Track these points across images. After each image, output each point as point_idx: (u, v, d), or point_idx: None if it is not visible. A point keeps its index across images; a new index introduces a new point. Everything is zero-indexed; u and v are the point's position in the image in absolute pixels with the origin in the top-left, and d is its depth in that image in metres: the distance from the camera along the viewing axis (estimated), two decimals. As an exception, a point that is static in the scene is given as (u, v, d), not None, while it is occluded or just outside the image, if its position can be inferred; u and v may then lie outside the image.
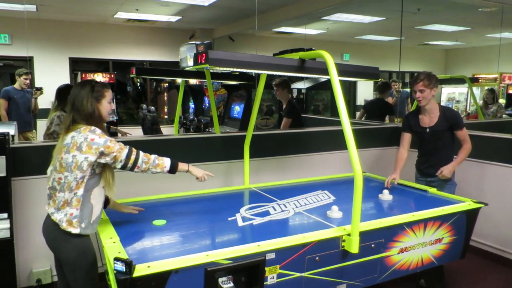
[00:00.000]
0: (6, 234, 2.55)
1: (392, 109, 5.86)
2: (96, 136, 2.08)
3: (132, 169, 2.17)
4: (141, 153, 2.20)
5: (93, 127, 2.12)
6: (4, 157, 2.54)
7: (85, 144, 2.05)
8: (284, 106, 5.21)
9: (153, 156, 2.25)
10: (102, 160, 2.10)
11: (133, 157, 2.15)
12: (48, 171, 2.20)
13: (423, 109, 3.29)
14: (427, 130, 3.30)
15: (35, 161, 3.10)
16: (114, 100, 7.76)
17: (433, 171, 3.30)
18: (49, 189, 2.15)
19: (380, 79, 3.12)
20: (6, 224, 2.56)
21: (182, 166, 2.38)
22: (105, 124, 2.30)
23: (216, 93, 6.58)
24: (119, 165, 2.14)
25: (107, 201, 2.37)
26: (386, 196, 3.07)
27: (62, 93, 3.77)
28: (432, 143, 3.33)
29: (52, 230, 2.11)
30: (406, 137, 3.47)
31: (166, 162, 2.29)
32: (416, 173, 3.53)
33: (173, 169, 2.32)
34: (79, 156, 2.05)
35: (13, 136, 2.83)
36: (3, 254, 2.56)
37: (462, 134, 3.23)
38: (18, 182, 2.95)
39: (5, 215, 2.56)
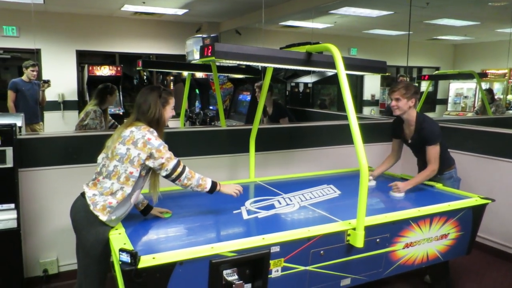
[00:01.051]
0: (13, 224, 2.57)
1: None
2: (153, 137, 2.16)
3: (174, 180, 2.24)
4: (187, 169, 2.27)
5: (152, 129, 2.20)
6: (11, 148, 2.55)
7: (141, 141, 2.13)
8: (268, 109, 4.94)
9: (197, 176, 2.31)
10: (150, 163, 2.17)
11: (179, 169, 2.22)
12: (100, 158, 2.27)
13: (404, 119, 3.15)
14: (409, 142, 3.21)
15: (42, 152, 3.12)
16: (120, 94, 7.82)
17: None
18: (95, 174, 2.23)
19: (388, 73, 3.08)
20: (13, 215, 2.58)
21: (218, 187, 2.41)
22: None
23: (222, 87, 6.58)
24: (164, 173, 2.21)
25: (149, 208, 2.42)
26: (371, 182, 3.22)
27: (102, 92, 4.17)
28: (419, 153, 3.23)
29: (82, 210, 2.14)
30: (394, 143, 3.38)
31: (208, 184, 2.34)
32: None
33: (212, 191, 2.37)
34: (133, 151, 2.13)
35: (20, 127, 2.84)
36: (11, 244, 2.59)
37: (429, 151, 3.01)
38: (25, 173, 2.97)
39: (12, 205, 2.58)
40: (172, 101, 2.34)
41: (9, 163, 2.56)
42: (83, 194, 2.19)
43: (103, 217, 2.12)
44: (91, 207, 2.12)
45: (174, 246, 2.07)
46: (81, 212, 2.15)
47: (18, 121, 2.77)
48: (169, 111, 2.33)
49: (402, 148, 3.37)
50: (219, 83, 4.57)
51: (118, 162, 2.14)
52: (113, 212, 2.14)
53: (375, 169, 3.39)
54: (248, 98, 6.06)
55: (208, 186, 2.33)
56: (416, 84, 3.22)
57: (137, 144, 2.13)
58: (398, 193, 3.01)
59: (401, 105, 3.01)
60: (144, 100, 2.24)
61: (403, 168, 4.04)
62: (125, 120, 2.35)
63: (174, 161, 2.20)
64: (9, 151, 2.55)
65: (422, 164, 3.21)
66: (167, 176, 2.21)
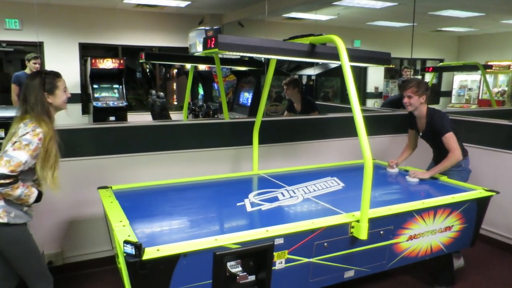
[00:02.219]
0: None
1: None
2: (31, 132, 2.03)
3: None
4: (13, 186, 2.00)
5: (39, 128, 2.05)
6: (15, 140, 2.55)
7: (19, 135, 2.03)
8: (296, 106, 4.95)
9: (19, 190, 2.04)
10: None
11: (2, 181, 1.96)
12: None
13: (415, 115, 3.33)
14: (421, 134, 3.40)
15: (46, 145, 3.13)
16: (123, 87, 7.81)
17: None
18: None
19: (392, 65, 3.06)
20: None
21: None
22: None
23: (225, 79, 6.56)
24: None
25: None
26: (394, 169, 3.46)
27: None
28: (432, 143, 3.39)
29: None
30: (410, 134, 3.55)
31: (31, 198, 2.12)
32: (431, 161, 3.50)
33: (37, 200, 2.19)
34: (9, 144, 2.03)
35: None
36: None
37: (445, 141, 3.12)
38: (30, 166, 2.98)
39: (17, 198, 2.59)
40: (60, 83, 2.20)
41: (14, 156, 2.56)
42: None
43: (2, 219, 2.02)
44: None
45: (178, 238, 2.07)
46: None
47: (21, 114, 2.77)
48: (60, 95, 2.19)
49: (418, 138, 3.53)
50: (222, 75, 4.55)
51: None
52: (7, 209, 2.03)
53: (397, 158, 3.54)
54: (251, 90, 6.05)
55: (31, 200, 2.12)
56: (425, 80, 3.28)
57: (14, 136, 2.03)
58: (413, 178, 3.19)
59: (413, 101, 3.19)
60: (28, 88, 2.12)
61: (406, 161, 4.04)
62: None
63: (7, 170, 1.94)
64: (13, 144, 2.55)
65: (436, 155, 3.36)
66: None
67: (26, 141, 2.01)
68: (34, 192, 2.14)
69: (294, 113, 4.98)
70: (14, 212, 2.07)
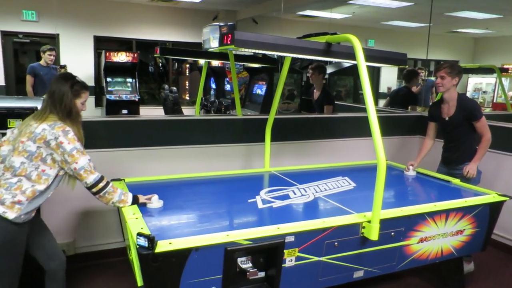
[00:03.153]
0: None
1: (416, 98, 5.71)
2: (66, 140, 2.07)
3: (94, 194, 2.16)
4: (110, 184, 2.19)
5: (67, 128, 2.11)
6: (32, 131, 2.59)
7: (54, 143, 2.06)
8: (315, 92, 5.01)
9: (119, 191, 2.23)
10: (66, 168, 2.11)
11: (101, 184, 2.15)
12: (5, 149, 2.14)
13: (444, 98, 3.28)
14: (446, 119, 3.29)
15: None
16: (136, 80, 7.86)
17: (456, 160, 3.27)
18: (1, 169, 2.09)
19: (406, 66, 3.05)
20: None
21: (139, 200, 2.34)
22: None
23: (238, 76, 6.56)
24: (84, 185, 2.14)
25: (136, 200, 2.34)
26: (411, 172, 3.38)
27: None
28: (452, 133, 3.31)
29: None
30: (431, 126, 3.50)
31: (129, 198, 2.27)
32: (439, 164, 3.48)
33: (134, 203, 2.31)
34: (45, 150, 2.06)
35: (40, 111, 2.88)
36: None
37: (479, 125, 3.15)
38: (45, 156, 3.02)
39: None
40: (84, 95, 2.24)
41: (30, 146, 2.60)
42: None
43: (11, 215, 2.00)
44: None
45: (190, 232, 2.09)
46: None
47: (38, 104, 2.81)
48: (79, 105, 2.23)
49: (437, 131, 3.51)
50: (236, 72, 4.56)
51: (26, 159, 2.05)
52: (23, 209, 2.04)
53: (416, 158, 3.47)
54: (264, 87, 6.04)
55: (129, 201, 2.27)
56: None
57: (49, 145, 2.05)
58: (409, 172, 3.35)
59: (445, 82, 3.16)
60: (58, 89, 2.15)
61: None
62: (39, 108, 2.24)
63: (94, 175, 2.12)
64: (30, 134, 2.59)
65: (451, 147, 3.31)
66: (88, 189, 2.14)
67: (74, 150, 2.08)
68: (129, 194, 2.29)
69: (310, 100, 5.03)
70: (25, 211, 2.06)
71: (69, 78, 2.22)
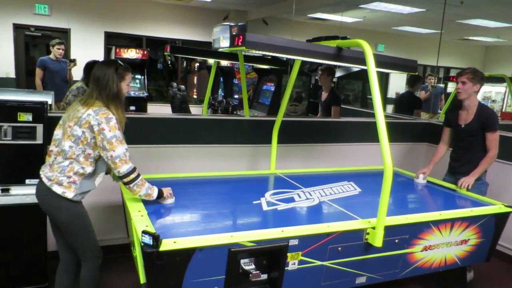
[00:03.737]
0: (40, 199, 2.66)
1: (420, 102, 5.66)
2: (107, 127, 2.12)
3: (125, 184, 2.22)
4: (140, 177, 2.23)
5: (110, 115, 2.15)
6: (42, 125, 2.61)
7: (96, 128, 2.12)
8: (323, 94, 5.04)
9: (146, 185, 2.27)
10: (103, 154, 2.16)
11: (132, 176, 2.19)
12: (59, 132, 2.25)
13: (463, 105, 3.23)
14: (462, 126, 3.24)
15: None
16: (145, 77, 7.90)
17: (463, 171, 3.22)
18: (52, 151, 2.22)
19: (416, 73, 3.04)
20: (40, 190, 2.66)
21: (163, 194, 2.39)
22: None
23: (246, 76, 6.57)
24: (116, 173, 2.18)
25: (161, 194, 2.39)
26: (421, 180, 3.32)
27: (87, 68, 3.98)
28: (464, 141, 3.26)
29: (45, 194, 2.17)
30: (446, 132, 3.44)
31: (155, 193, 2.31)
32: (445, 174, 3.46)
33: (159, 197, 2.36)
34: (89, 134, 2.14)
35: (50, 105, 2.91)
36: (37, 218, 2.66)
37: (491, 138, 3.10)
38: (53, 150, 3.05)
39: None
40: (128, 77, 2.29)
41: (39, 140, 2.62)
42: (41, 179, 2.20)
43: (69, 194, 2.14)
44: (54, 187, 2.13)
45: (194, 231, 2.10)
46: (44, 196, 2.18)
47: (49, 99, 2.84)
48: (124, 87, 2.28)
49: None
50: (244, 72, 4.56)
51: (73, 143, 2.14)
52: (78, 189, 2.17)
53: (429, 164, 3.41)
54: (272, 89, 6.04)
55: (154, 195, 2.31)
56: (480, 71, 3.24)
57: (92, 129, 2.12)
58: (420, 181, 3.28)
59: (467, 88, 3.11)
60: (103, 74, 2.19)
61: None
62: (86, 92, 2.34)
63: (128, 166, 2.17)
64: (40, 128, 2.61)
65: (464, 153, 3.26)
66: (120, 178, 2.20)
67: (113, 137, 2.12)
68: (155, 187, 2.31)
69: (318, 103, 5.06)
70: (81, 190, 2.18)
71: (112, 63, 2.26)
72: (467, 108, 3.21)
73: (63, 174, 2.15)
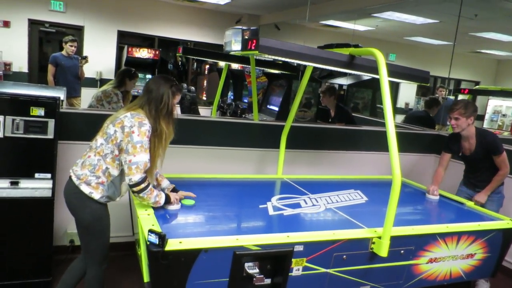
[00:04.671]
0: (48, 193, 2.67)
1: (434, 124, 5.64)
2: (137, 131, 2.11)
3: (134, 193, 2.18)
4: (149, 187, 2.19)
5: (145, 121, 2.15)
6: (53, 120, 2.64)
7: (127, 130, 2.13)
8: (331, 112, 5.08)
9: (155, 192, 2.23)
10: (121, 156, 2.14)
11: (142, 185, 2.14)
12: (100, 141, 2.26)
13: (461, 135, 3.28)
14: (468, 155, 3.31)
15: (80, 127, 3.23)
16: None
17: (482, 185, 3.29)
18: (88, 153, 2.22)
19: (428, 84, 3.03)
20: (49, 184, 2.67)
21: (170, 199, 2.36)
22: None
23: (256, 80, 6.58)
24: (127, 180, 2.14)
25: (174, 192, 2.44)
26: (434, 196, 3.24)
27: (123, 74, 4.17)
28: (476, 166, 3.33)
29: (73, 192, 2.18)
30: (446, 157, 3.47)
31: (162, 200, 2.28)
32: (461, 184, 3.47)
33: (166, 203, 2.33)
34: (119, 135, 2.14)
35: (62, 101, 2.94)
36: (44, 212, 2.69)
37: (498, 160, 3.17)
38: (63, 145, 3.07)
39: (49, 175, 2.67)
40: (177, 97, 2.31)
41: (50, 135, 2.65)
42: (71, 177, 2.22)
43: (96, 195, 2.15)
44: (82, 187, 2.14)
45: (199, 233, 2.11)
46: (72, 194, 2.19)
47: (61, 94, 2.87)
48: (174, 105, 2.31)
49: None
50: (255, 76, 4.57)
51: (104, 141, 2.17)
52: (105, 191, 2.18)
53: (433, 185, 3.35)
54: (282, 94, 6.04)
55: (162, 202, 2.28)
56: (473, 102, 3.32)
57: (123, 130, 2.13)
58: (433, 196, 3.22)
59: (460, 123, 3.15)
60: (157, 88, 2.22)
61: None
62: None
63: (140, 175, 2.12)
64: (51, 123, 2.63)
65: (474, 177, 3.33)
66: (130, 186, 2.15)
67: (139, 143, 2.11)
68: (162, 194, 2.28)
69: (326, 120, 5.07)
70: (108, 193, 2.20)
71: (169, 80, 2.29)
72: (467, 138, 3.25)
73: (93, 173, 2.16)
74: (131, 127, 2.11)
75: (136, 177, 2.11)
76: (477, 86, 10.86)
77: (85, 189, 2.15)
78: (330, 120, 5.11)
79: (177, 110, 2.37)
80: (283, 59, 2.40)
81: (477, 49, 10.90)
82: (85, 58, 5.95)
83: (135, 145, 2.10)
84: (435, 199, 3.23)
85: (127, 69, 4.24)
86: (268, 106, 6.43)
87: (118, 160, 2.17)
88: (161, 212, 2.28)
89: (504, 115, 11.27)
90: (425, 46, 11.04)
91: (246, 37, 2.41)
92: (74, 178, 2.19)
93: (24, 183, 2.64)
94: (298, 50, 2.33)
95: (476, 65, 12.39)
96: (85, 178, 2.16)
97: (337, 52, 2.53)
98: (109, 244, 2.34)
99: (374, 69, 2.36)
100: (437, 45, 10.49)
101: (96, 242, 2.27)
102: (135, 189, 2.14)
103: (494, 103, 11.36)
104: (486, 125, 10.91)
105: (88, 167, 2.17)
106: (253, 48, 2.25)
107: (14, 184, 2.63)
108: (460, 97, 8.50)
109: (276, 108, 6.05)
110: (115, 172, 2.19)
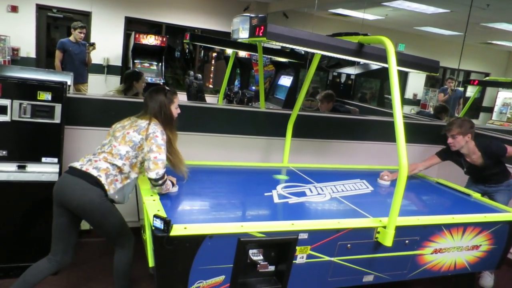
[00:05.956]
0: (55, 177, 2.68)
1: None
2: (160, 135, 2.28)
3: (155, 186, 2.28)
4: (167, 183, 2.31)
5: (164, 131, 2.32)
6: (60, 105, 2.64)
7: (150, 136, 2.25)
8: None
9: (168, 182, 2.34)
10: (146, 156, 2.24)
11: (165, 177, 2.28)
12: (107, 140, 2.34)
13: (463, 153, 3.21)
14: (476, 167, 3.23)
15: (86, 112, 3.24)
16: (162, 64, 7.93)
17: (492, 181, 3.28)
18: (102, 150, 2.28)
19: (437, 74, 2.97)
20: (56, 168, 2.69)
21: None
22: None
23: (264, 69, 6.55)
24: (153, 175, 2.22)
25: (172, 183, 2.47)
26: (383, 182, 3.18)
27: (128, 78, 4.28)
28: (483, 174, 3.28)
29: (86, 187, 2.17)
30: (434, 160, 3.39)
31: (170, 186, 2.37)
32: (468, 181, 3.47)
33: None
34: (144, 142, 2.26)
35: (69, 86, 2.94)
36: (50, 197, 2.70)
37: (508, 156, 3.14)
38: (70, 130, 3.08)
39: (56, 159, 2.69)
40: (176, 100, 2.45)
41: (57, 119, 2.65)
42: (76, 170, 2.22)
43: (110, 191, 2.20)
44: (102, 178, 2.17)
45: (204, 219, 2.12)
46: (74, 184, 2.19)
47: (68, 79, 2.87)
48: (174, 110, 2.43)
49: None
50: (262, 64, 4.55)
51: (130, 149, 2.24)
52: (116, 190, 2.23)
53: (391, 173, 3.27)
54: (289, 82, 6.01)
55: (170, 187, 2.37)
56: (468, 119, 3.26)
57: (147, 137, 2.25)
58: (384, 181, 3.16)
59: (458, 141, 3.11)
60: (154, 102, 2.37)
61: (438, 174, 3.95)
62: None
63: (164, 170, 2.25)
64: (58, 108, 2.64)
65: (487, 175, 3.26)
66: (156, 180, 2.23)
67: (162, 145, 2.27)
68: (169, 182, 2.37)
69: None
70: (117, 195, 2.26)
71: (160, 90, 2.44)
72: (468, 154, 3.19)
73: (114, 169, 2.22)
74: (154, 133, 2.27)
75: (162, 171, 2.24)
76: (487, 78, 10.72)
77: (102, 180, 2.17)
78: None
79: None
80: (291, 46, 2.38)
81: (488, 40, 10.74)
82: (93, 45, 5.94)
83: (160, 146, 2.25)
84: (386, 184, 3.16)
85: (131, 73, 4.32)
86: (275, 95, 6.41)
87: (140, 164, 2.29)
88: (167, 198, 2.29)
89: (513, 108, 11.14)
90: (435, 37, 10.89)
91: (254, 24, 2.39)
92: (92, 171, 2.19)
93: (31, 167, 2.66)
94: (306, 37, 2.30)
95: (487, 57, 12.21)
96: (107, 170, 2.20)
97: (346, 41, 2.50)
98: (125, 223, 2.36)
99: (383, 57, 2.33)
100: (448, 35, 10.34)
101: (110, 221, 2.28)
102: (160, 182, 2.25)
103: (503, 95, 11.23)
104: (495, 117, 10.81)
105: (109, 162, 2.22)
106: (260, 34, 2.23)
107: (21, 168, 2.65)
108: (470, 88, 8.42)
109: (283, 97, 6.03)
110: (134, 175, 2.30)
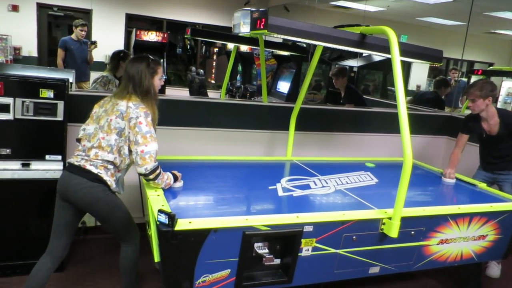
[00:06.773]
0: (59, 175, 2.67)
1: (443, 105, 5.54)
2: (145, 121, 2.15)
3: (149, 180, 2.22)
4: (161, 172, 2.23)
5: (148, 111, 2.19)
6: (62, 102, 2.65)
7: (133, 122, 2.14)
8: (342, 93, 5.03)
9: (166, 175, 2.28)
10: (133, 149, 2.16)
11: (157, 171, 2.19)
12: (91, 128, 2.26)
13: (481, 116, 3.18)
14: (491, 137, 3.20)
15: (89, 109, 3.21)
16: (164, 61, 7.91)
17: (504, 167, 3.24)
18: (90, 144, 2.21)
19: (441, 64, 2.95)
20: (60, 166, 2.69)
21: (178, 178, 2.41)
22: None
23: (265, 63, 6.52)
24: (142, 171, 2.16)
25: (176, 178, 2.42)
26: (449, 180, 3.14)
27: (114, 58, 4.08)
28: (496, 147, 3.25)
29: (89, 184, 2.16)
30: (464, 139, 3.36)
31: (172, 180, 2.32)
32: (479, 168, 3.43)
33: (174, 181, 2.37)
34: (127, 127, 2.16)
35: (71, 83, 2.94)
36: (55, 194, 2.71)
37: None
38: (73, 128, 3.08)
39: (59, 157, 2.70)
40: (160, 71, 2.32)
41: (60, 117, 2.66)
42: (74, 167, 2.20)
43: (113, 185, 2.20)
44: (103, 174, 2.16)
45: (209, 213, 2.11)
46: (81, 179, 2.17)
47: (70, 77, 2.86)
48: (157, 81, 2.31)
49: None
50: (264, 58, 4.53)
51: (117, 136, 2.17)
52: (115, 179, 2.23)
53: (449, 167, 3.23)
54: (291, 76, 5.99)
55: (172, 181, 2.32)
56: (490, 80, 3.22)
57: (130, 122, 2.15)
58: (450, 179, 3.11)
59: (478, 105, 3.07)
60: (136, 71, 2.22)
61: (444, 164, 3.93)
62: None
63: (154, 163, 2.17)
64: (61, 105, 2.64)
65: (499, 156, 3.23)
66: (145, 175, 2.17)
67: (148, 133, 2.15)
68: (170, 175, 2.32)
69: (336, 92, 5.14)
70: (118, 187, 2.27)
71: (143, 58, 2.28)
72: (486, 119, 3.15)
73: (108, 164, 2.18)
74: (137, 118, 2.14)
75: (151, 165, 2.15)
76: (491, 67, 10.64)
77: (101, 175, 2.16)
78: (341, 101, 5.06)
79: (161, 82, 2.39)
80: (293, 38, 2.35)
81: (492, 30, 10.65)
82: (94, 43, 5.93)
83: (145, 135, 2.14)
84: (452, 182, 3.15)
85: (117, 52, 4.17)
86: (277, 89, 6.39)
87: (129, 152, 2.20)
88: (171, 193, 2.29)
89: (518, 97, 11.05)
90: (438, 27, 10.81)
91: (255, 17, 2.37)
92: (91, 168, 2.16)
93: (35, 165, 2.67)
94: (308, 29, 2.29)
95: (490, 46, 12.12)
96: (105, 165, 2.17)
97: (348, 32, 2.48)
98: (131, 218, 2.35)
99: (386, 48, 2.31)
100: (450, 25, 10.26)
101: (119, 222, 2.28)
102: (151, 176, 2.17)
103: (508, 85, 11.14)
104: (499, 106, 10.72)
105: (103, 164, 2.18)
106: (262, 27, 2.21)
107: (26, 165, 2.65)
108: (473, 78, 8.35)
109: (285, 91, 6.02)
110: (127, 161, 2.23)
